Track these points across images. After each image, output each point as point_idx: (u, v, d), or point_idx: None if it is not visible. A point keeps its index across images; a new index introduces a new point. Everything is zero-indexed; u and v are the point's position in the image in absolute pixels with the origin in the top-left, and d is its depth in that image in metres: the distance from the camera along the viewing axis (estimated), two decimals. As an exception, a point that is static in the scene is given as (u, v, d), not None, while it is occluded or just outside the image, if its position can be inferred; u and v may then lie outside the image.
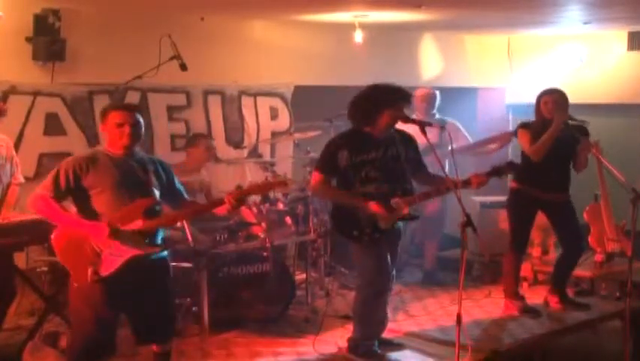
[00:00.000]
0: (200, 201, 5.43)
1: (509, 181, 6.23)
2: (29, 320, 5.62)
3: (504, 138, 6.84)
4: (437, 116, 7.20)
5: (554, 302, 6.28)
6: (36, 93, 6.24)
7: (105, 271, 4.07)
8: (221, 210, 4.36)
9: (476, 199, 7.65)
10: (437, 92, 7.28)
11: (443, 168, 4.85)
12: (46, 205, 4.10)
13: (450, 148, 4.71)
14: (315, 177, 5.06)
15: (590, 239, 6.94)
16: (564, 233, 6.24)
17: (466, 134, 7.30)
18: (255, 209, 6.25)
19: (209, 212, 4.52)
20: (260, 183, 4.52)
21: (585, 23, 7.77)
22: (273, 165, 6.89)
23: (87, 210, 4.16)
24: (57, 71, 6.26)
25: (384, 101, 4.95)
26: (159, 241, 4.30)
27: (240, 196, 4.25)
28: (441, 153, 5.41)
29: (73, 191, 4.14)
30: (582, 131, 6.04)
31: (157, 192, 4.27)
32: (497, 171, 5.11)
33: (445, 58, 9.17)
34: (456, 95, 8.40)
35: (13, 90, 6.11)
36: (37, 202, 4.13)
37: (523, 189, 6.11)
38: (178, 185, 4.48)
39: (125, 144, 4.20)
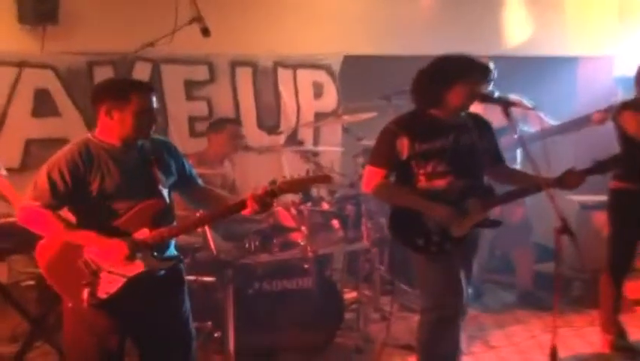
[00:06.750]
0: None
1: (610, 180, 6.06)
2: (11, 348, 5.65)
3: (602, 118, 6.62)
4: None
5: None
6: (22, 64, 6.34)
7: (103, 292, 4.03)
8: (245, 213, 4.25)
9: (575, 199, 7.61)
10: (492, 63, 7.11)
11: (533, 159, 4.74)
12: (45, 221, 3.99)
13: (517, 134, 4.68)
14: (371, 173, 5.00)
15: None
16: None
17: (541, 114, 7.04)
18: (293, 210, 6.25)
19: (232, 215, 4.42)
20: (296, 178, 4.46)
21: None
22: (316, 154, 6.89)
23: (86, 222, 4.07)
24: (48, 36, 6.34)
25: (456, 75, 4.88)
26: (172, 252, 4.28)
27: (268, 197, 4.16)
28: (509, 139, 5.42)
29: (73, 196, 4.05)
30: None
31: (165, 192, 4.22)
32: (600, 167, 4.98)
33: (537, 21, 9.07)
34: (551, 67, 8.35)
35: (-7, 60, 6.20)
36: (32, 217, 4.02)
37: (629, 188, 5.96)
38: (189, 170, 4.45)
39: (146, 134, 4.16)
